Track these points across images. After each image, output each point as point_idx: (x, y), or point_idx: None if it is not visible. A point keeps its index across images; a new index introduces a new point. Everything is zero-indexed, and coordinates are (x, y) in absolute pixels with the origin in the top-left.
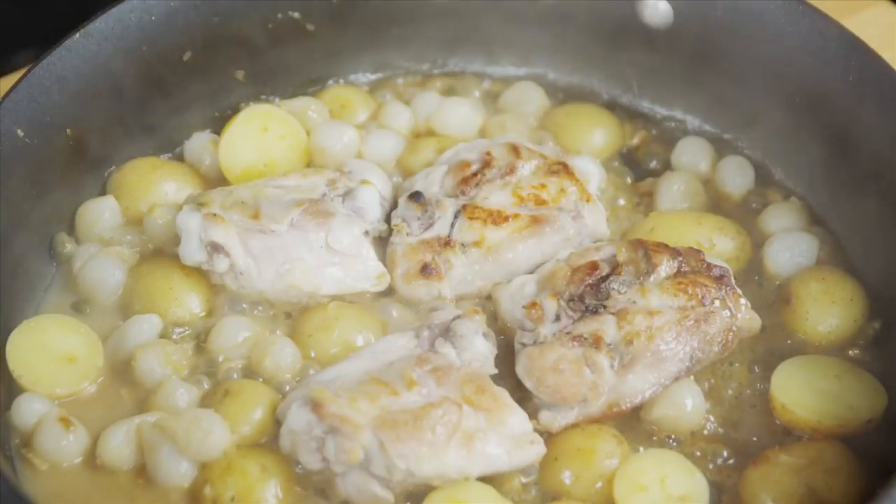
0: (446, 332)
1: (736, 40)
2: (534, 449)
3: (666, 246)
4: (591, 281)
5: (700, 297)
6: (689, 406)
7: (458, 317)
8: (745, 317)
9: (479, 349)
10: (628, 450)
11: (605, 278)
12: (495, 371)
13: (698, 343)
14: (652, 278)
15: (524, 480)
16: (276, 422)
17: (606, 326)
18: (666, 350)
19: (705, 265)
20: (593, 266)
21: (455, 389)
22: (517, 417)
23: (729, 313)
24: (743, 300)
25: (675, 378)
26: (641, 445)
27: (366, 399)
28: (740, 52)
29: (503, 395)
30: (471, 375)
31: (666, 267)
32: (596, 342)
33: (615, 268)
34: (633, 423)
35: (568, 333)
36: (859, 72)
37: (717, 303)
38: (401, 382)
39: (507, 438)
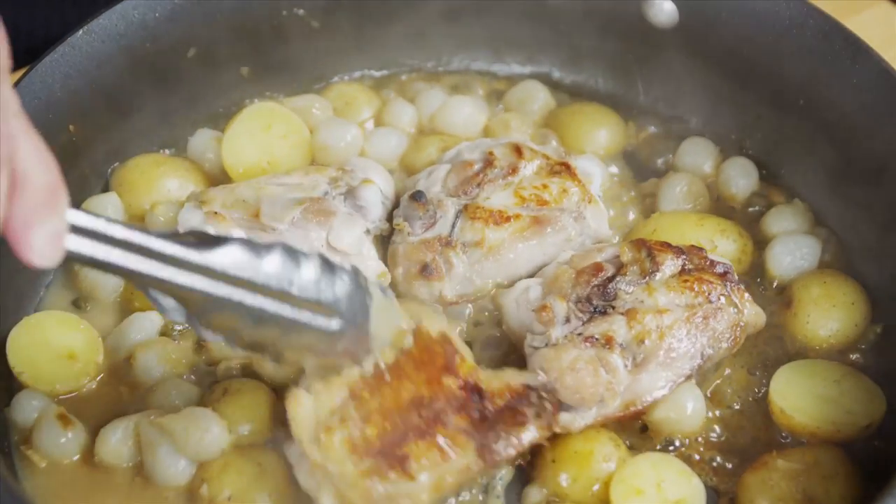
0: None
1: (740, 41)
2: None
3: (668, 245)
4: (597, 282)
5: (706, 293)
6: (689, 409)
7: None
8: (751, 312)
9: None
10: (625, 453)
11: (611, 279)
12: None
13: (708, 340)
14: (657, 277)
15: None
16: (275, 421)
17: (616, 326)
18: (678, 347)
19: (708, 262)
20: (598, 268)
21: None
22: None
23: (735, 309)
24: (747, 295)
25: (687, 375)
26: (639, 449)
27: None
28: (744, 52)
29: None
30: None
31: (670, 265)
32: (608, 342)
33: (620, 268)
34: (630, 427)
35: (579, 335)
36: (860, 72)
37: (722, 299)
38: None
39: None
